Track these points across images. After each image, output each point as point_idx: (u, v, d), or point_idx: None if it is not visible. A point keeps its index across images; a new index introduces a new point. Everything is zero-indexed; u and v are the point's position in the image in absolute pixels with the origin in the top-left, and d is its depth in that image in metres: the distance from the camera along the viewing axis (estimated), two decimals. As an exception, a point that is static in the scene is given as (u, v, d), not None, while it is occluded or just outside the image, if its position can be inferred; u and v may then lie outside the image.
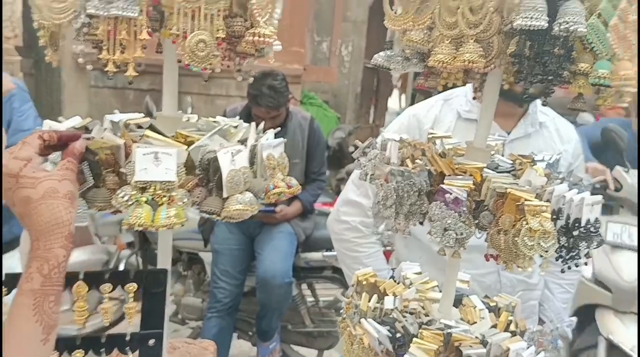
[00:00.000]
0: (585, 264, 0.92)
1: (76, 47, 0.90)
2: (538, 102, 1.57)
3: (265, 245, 2.80)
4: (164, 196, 0.81)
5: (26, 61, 6.80)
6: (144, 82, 5.45)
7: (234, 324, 2.98)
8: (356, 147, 1.01)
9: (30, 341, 0.66)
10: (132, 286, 0.85)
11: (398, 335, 0.96)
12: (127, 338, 0.86)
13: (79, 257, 3.14)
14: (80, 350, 0.83)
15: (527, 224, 0.77)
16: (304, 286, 3.14)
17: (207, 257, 3.08)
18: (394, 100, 9.68)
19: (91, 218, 3.17)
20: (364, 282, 1.13)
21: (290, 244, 2.85)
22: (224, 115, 3.23)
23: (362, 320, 0.98)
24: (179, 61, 0.86)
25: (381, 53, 0.94)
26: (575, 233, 0.84)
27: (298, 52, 5.57)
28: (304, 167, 2.93)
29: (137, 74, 0.78)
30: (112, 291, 0.84)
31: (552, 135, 1.66)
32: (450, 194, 0.81)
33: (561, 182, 0.91)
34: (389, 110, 8.89)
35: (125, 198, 0.80)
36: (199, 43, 0.79)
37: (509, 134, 1.61)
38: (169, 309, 3.28)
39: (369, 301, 1.04)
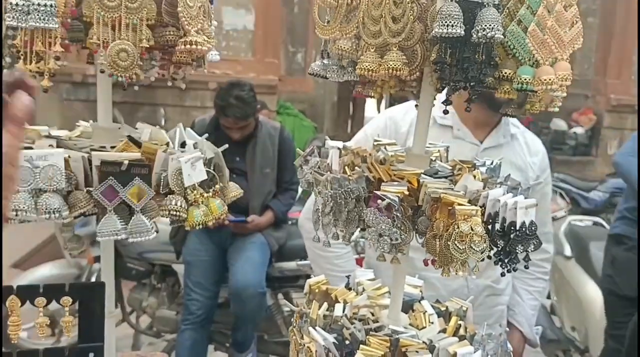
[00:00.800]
0: (526, 267, 0.93)
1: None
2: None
3: (238, 256, 2.78)
4: (201, 196, 0.91)
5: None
6: (116, 95, 5.40)
7: (210, 335, 2.95)
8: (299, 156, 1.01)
9: None
10: (67, 300, 0.84)
11: (347, 342, 0.95)
12: (66, 353, 0.85)
13: (51, 271, 3.09)
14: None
15: (458, 228, 0.78)
16: (280, 296, 3.12)
17: (180, 269, 3.06)
18: (372, 108, 9.75)
19: (60, 232, 3.12)
20: (316, 290, 1.12)
21: (262, 254, 2.83)
22: (192, 127, 3.23)
23: (310, 328, 0.98)
24: (102, 71, 0.86)
25: (317, 62, 0.95)
26: (511, 236, 0.85)
27: (272, 63, 5.58)
28: (275, 176, 2.93)
29: (51, 84, 0.78)
30: (46, 305, 0.83)
31: (522, 147, 1.68)
32: (383, 200, 0.81)
33: (499, 187, 0.92)
34: (366, 118, 8.95)
35: (179, 203, 0.87)
36: (120, 52, 0.79)
37: (481, 143, 1.64)
38: (144, 322, 3.26)
39: (319, 309, 1.04)
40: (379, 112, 1.66)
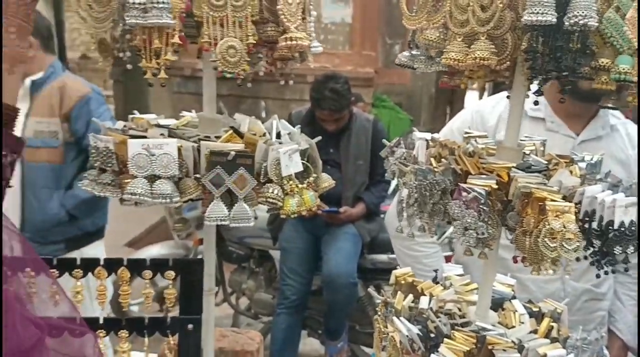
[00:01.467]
0: (626, 270, 0.87)
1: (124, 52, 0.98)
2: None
3: (330, 245, 2.85)
4: (297, 186, 0.95)
5: (115, 69, 7.37)
6: (223, 88, 5.73)
7: (304, 321, 3.06)
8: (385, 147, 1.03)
9: None
10: (171, 274, 0.93)
11: (431, 335, 0.96)
12: (168, 322, 0.94)
13: (160, 251, 3.38)
14: (125, 330, 0.92)
15: (548, 224, 0.75)
16: (372, 288, 3.13)
17: (276, 254, 3.19)
18: (473, 100, 9.38)
19: (169, 215, 3.40)
20: (402, 282, 1.13)
21: (354, 245, 2.88)
22: (289, 119, 3.34)
23: (394, 318, 0.99)
24: (215, 68, 0.92)
25: (405, 53, 0.95)
26: (609, 236, 0.80)
27: (369, 56, 5.58)
28: (368, 168, 2.95)
29: (167, 77, 0.85)
30: (152, 278, 0.93)
31: (623, 139, 1.56)
32: (468, 193, 0.80)
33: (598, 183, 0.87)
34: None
35: (276, 192, 0.92)
36: (229, 49, 0.85)
37: (578, 135, 1.54)
38: (243, 303, 3.46)
39: (404, 300, 1.05)
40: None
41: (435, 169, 0.88)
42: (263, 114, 5.71)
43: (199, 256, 3.34)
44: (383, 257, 3.02)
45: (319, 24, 5.70)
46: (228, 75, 0.86)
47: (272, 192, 0.93)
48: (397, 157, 0.97)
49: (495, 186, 0.84)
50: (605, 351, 0.98)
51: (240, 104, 5.66)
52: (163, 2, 0.81)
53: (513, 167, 0.88)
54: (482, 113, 1.59)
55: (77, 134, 2.20)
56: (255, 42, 0.87)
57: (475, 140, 1.01)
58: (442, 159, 0.92)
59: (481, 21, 0.76)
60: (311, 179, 1.01)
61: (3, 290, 0.53)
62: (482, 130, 1.52)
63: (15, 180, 0.76)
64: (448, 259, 2.47)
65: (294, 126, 1.12)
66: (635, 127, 1.60)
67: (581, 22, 0.66)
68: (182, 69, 5.33)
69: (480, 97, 9.35)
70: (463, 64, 0.77)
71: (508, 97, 0.98)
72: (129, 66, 0.92)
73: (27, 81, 2.19)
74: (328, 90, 2.72)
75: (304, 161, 1.00)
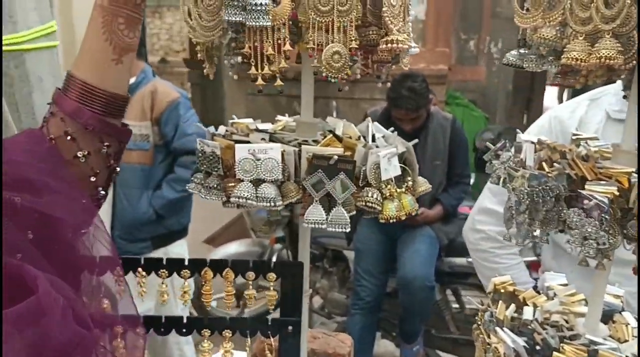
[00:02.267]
0: None
1: (229, 59, 1.02)
2: None
3: (407, 247, 2.80)
4: (395, 190, 0.95)
5: (193, 73, 7.67)
6: (295, 89, 5.81)
7: (378, 322, 3.04)
8: (487, 149, 0.99)
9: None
10: (272, 276, 0.95)
11: (537, 348, 0.91)
12: (269, 323, 0.96)
13: (238, 249, 3.48)
14: (229, 330, 0.94)
15: (682, 235, 0.69)
16: (448, 292, 3.07)
17: (350, 255, 3.20)
18: (552, 98, 8.92)
19: (247, 214, 3.48)
20: (502, 290, 1.09)
21: (431, 247, 2.82)
22: (364, 119, 3.33)
23: (498, 329, 0.95)
24: (315, 73, 0.93)
25: (513, 51, 0.91)
26: None
27: (443, 52, 5.45)
28: (446, 168, 2.88)
29: (282, 83, 0.86)
30: (255, 279, 0.95)
31: None
32: (590, 200, 0.75)
33: None
34: (545, 109, 8.20)
35: (375, 196, 0.92)
36: (334, 55, 0.85)
37: None
38: (316, 302, 3.50)
39: (506, 310, 1.01)
40: (560, 102, 1.51)
41: (549, 174, 0.83)
42: (334, 114, 5.74)
43: (275, 255, 3.44)
44: (461, 260, 2.94)
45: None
46: (332, 80, 0.85)
47: (372, 197, 0.92)
48: (502, 161, 0.93)
49: (617, 193, 0.78)
50: None
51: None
52: (260, 4, 0.81)
53: (633, 172, 0.82)
54: (560, 118, 1.49)
55: (166, 138, 2.31)
56: (357, 46, 0.86)
57: (587, 143, 0.95)
58: (554, 164, 0.87)
59: (606, 18, 0.71)
60: (410, 183, 0.99)
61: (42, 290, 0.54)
62: (561, 137, 1.44)
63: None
64: (533, 265, 2.36)
65: None
66: None
67: None
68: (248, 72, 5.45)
69: (560, 95, 8.89)
70: (585, 63, 0.72)
71: (625, 97, 0.92)
72: (233, 75, 0.95)
73: None
74: (406, 89, 2.68)
75: (401, 165, 0.98)
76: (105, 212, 2.32)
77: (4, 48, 1.06)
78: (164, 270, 0.96)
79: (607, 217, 0.76)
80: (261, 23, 0.82)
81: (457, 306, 3.09)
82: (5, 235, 0.55)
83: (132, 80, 2.34)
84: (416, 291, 2.69)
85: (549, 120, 1.51)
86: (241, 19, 0.82)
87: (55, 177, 0.64)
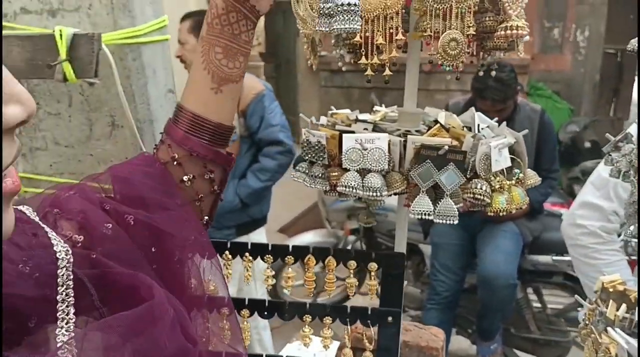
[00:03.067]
0: None
1: (338, 50, 1.03)
2: None
3: (488, 243, 2.72)
4: (504, 182, 0.93)
5: (268, 66, 7.83)
6: (356, 81, 5.79)
7: (454, 319, 2.98)
8: (572, 143, 0.93)
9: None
10: (374, 266, 0.95)
11: (655, 351, 0.86)
12: (369, 312, 0.97)
13: (313, 238, 3.53)
14: (329, 317, 0.96)
15: None
16: (530, 290, 2.96)
17: (426, 249, 3.14)
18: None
19: (322, 204, 3.52)
20: (610, 290, 1.03)
21: (514, 244, 2.71)
22: (447, 109, 3.25)
23: (609, 329, 0.91)
24: (430, 62, 0.90)
25: (635, 39, 0.85)
26: None
27: (526, 41, 5.21)
28: (533, 163, 2.75)
29: (391, 73, 0.86)
30: (356, 268, 0.95)
31: None
32: None
33: None
34: (634, 101, 7.61)
35: (484, 188, 0.90)
36: (450, 42, 0.83)
37: None
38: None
39: (617, 310, 0.96)
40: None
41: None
42: (378, 104, 5.67)
43: (349, 245, 3.46)
44: (546, 258, 2.82)
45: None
46: (447, 69, 0.84)
47: (480, 188, 0.90)
48: (624, 153, 0.87)
49: None
50: None
51: (384, 96, 5.67)
52: (349, 5, 0.77)
53: None
54: None
55: (251, 129, 2.37)
56: (474, 33, 0.84)
57: None
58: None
59: None
60: (520, 175, 0.96)
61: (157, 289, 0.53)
62: None
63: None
64: (632, 264, 2.22)
65: None
66: None
67: None
68: (329, 64, 5.48)
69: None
70: None
71: None
72: (342, 66, 0.95)
73: None
74: (492, 79, 2.58)
75: (511, 156, 0.95)
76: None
77: (123, 41, 1.13)
78: (249, 255, 0.99)
79: None
80: (351, 26, 0.78)
81: (538, 305, 2.96)
82: (119, 248, 0.57)
83: None
84: (497, 289, 2.61)
85: None
86: (327, 29, 0.79)
87: (167, 196, 0.66)
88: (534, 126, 2.73)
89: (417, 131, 1.01)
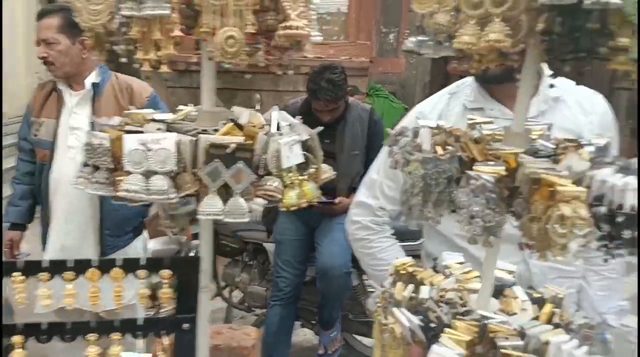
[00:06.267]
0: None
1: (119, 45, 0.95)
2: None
3: (325, 236, 2.83)
4: (296, 178, 0.92)
5: (108, 63, 7.27)
6: (217, 81, 5.67)
7: (297, 312, 3.06)
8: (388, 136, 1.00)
9: None
10: (167, 273, 0.90)
11: (432, 325, 0.94)
12: (162, 322, 0.91)
13: (154, 247, 3.33)
14: (117, 333, 0.88)
15: (558, 210, 0.73)
16: (365, 276, 3.14)
17: (270, 247, 3.18)
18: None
19: (162, 210, 3.35)
20: (402, 272, 1.11)
21: (349, 235, 2.86)
22: (285, 109, 3.29)
23: (394, 309, 0.97)
24: (211, 59, 0.89)
25: (412, 38, 0.93)
26: (618, 220, 0.78)
27: (365, 45, 5.55)
28: (364, 158, 2.93)
29: (170, 71, 0.82)
30: (148, 277, 0.90)
31: (571, 109, 1.52)
32: (477, 180, 0.78)
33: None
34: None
35: (276, 185, 0.88)
36: (228, 39, 0.82)
37: None
38: (236, 297, 3.45)
39: (404, 291, 1.03)
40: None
41: (441, 157, 0.86)
42: (257, 106, 5.66)
43: (192, 251, 3.34)
44: (404, 244, 3.01)
45: (314, 15, 5.66)
46: (226, 66, 0.82)
47: (272, 185, 0.90)
48: (401, 146, 0.94)
49: (504, 173, 0.82)
50: (608, 336, 0.97)
51: (234, 98, 5.61)
52: None
53: (521, 152, 0.86)
54: (424, 113, 1.59)
55: None
56: (254, 31, 0.84)
57: (480, 126, 0.99)
58: (448, 147, 0.90)
59: (495, 2, 0.74)
60: (312, 170, 0.98)
61: None
62: None
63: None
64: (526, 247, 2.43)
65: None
66: (591, 94, 1.58)
67: (602, 0, 0.63)
68: (175, 64, 5.26)
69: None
70: (476, 47, 0.75)
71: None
72: (123, 59, 0.89)
73: (88, 84, 2.23)
74: (325, 80, 2.69)
75: (304, 152, 0.97)
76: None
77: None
78: (45, 273, 0.87)
79: (493, 195, 0.79)
80: (159, 12, 0.76)
81: (373, 289, 3.16)
82: None
83: (96, 77, 2.24)
84: (334, 278, 2.73)
85: (414, 117, 1.59)
86: (137, 13, 0.77)
87: None
88: (364, 124, 2.91)
89: (215, 130, 0.98)
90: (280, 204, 0.92)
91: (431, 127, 0.98)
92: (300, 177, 0.95)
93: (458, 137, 0.95)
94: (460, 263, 1.15)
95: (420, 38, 0.92)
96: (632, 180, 0.78)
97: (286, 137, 0.94)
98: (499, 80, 1.43)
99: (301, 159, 0.95)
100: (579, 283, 1.61)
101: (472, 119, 1.05)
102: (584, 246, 0.76)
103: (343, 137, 2.86)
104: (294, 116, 1.12)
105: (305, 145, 1.01)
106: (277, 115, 1.06)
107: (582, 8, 0.67)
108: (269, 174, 0.92)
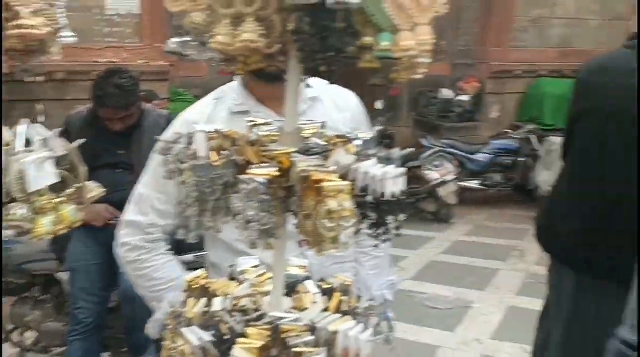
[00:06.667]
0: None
1: None
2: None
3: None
4: (50, 202, 0.83)
5: None
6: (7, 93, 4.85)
7: (104, 342, 2.78)
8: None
9: None
10: None
11: (225, 338, 0.90)
12: None
13: None
14: None
15: (325, 205, 0.75)
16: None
17: (65, 277, 2.84)
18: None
19: None
20: (194, 286, 1.05)
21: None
22: (68, 120, 2.96)
23: (183, 329, 0.91)
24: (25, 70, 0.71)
25: (175, 39, 0.88)
26: (383, 208, 0.84)
27: (162, 48, 5.29)
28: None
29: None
30: None
31: (326, 107, 1.62)
32: (249, 184, 0.76)
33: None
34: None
35: (21, 213, 0.77)
36: None
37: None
38: (30, 338, 3.00)
39: (196, 307, 0.97)
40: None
41: (215, 163, 0.82)
42: (42, 119, 4.98)
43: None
44: (189, 257, 2.89)
45: (102, 16, 5.20)
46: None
47: (15, 214, 0.76)
48: (174, 154, 0.88)
49: (277, 174, 0.81)
50: (390, 314, 1.05)
51: (12, 110, 4.86)
52: None
53: (293, 152, 0.87)
54: (190, 120, 1.52)
55: None
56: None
57: (259, 128, 0.98)
58: (223, 151, 0.87)
59: (247, 1, 0.72)
60: (71, 190, 0.86)
61: None
62: None
63: None
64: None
65: (73, 129, 0.95)
66: (345, 93, 1.69)
67: (343, 0, 0.66)
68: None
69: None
70: (232, 48, 0.72)
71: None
72: None
73: None
74: (112, 86, 2.47)
75: (61, 170, 0.84)
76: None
77: None
78: None
79: (266, 198, 0.78)
80: None
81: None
82: None
83: None
84: (140, 300, 2.52)
85: (180, 127, 1.51)
86: None
87: None
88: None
89: None
90: (33, 234, 0.78)
91: (207, 132, 0.93)
92: (55, 200, 0.82)
93: (235, 141, 0.93)
94: (256, 267, 1.14)
95: (184, 39, 0.87)
96: (390, 169, 0.84)
97: (34, 154, 0.80)
98: (272, 79, 1.39)
99: (55, 179, 0.82)
100: (351, 266, 1.68)
101: (252, 121, 1.04)
102: (353, 235, 0.79)
103: (140, 148, 2.66)
104: (79, 128, 0.98)
105: (65, 162, 0.88)
106: (25, 129, 0.91)
107: (327, 8, 0.70)
108: (14, 201, 0.77)
